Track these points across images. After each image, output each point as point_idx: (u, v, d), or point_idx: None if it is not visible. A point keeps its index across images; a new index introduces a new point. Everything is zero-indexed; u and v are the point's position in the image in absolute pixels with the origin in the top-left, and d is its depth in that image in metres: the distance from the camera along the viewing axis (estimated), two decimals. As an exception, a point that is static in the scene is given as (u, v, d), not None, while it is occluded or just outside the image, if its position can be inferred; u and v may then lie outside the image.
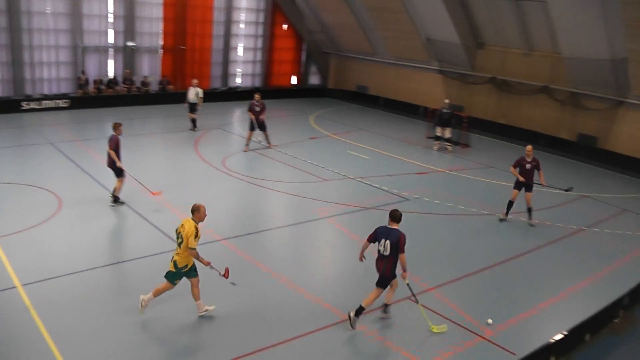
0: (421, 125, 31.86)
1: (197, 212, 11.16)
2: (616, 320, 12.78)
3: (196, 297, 11.52)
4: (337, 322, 11.55)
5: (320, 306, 12.15)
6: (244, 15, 38.62)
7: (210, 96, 36.11)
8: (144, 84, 34.46)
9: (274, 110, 33.06)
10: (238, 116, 31.73)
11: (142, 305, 11.36)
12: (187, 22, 35.52)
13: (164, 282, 11.34)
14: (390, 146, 27.39)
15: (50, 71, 31.96)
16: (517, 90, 31.11)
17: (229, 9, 37.47)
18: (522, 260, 15.29)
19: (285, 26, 40.62)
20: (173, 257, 11.28)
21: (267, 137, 25.56)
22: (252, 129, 25.00)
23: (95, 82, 32.92)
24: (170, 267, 11.28)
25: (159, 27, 34.98)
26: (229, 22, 37.76)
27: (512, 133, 31.09)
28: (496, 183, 22.60)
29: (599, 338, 12.14)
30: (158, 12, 34.65)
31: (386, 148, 26.86)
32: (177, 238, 11.16)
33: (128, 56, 34.17)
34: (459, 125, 28.44)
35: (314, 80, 44.00)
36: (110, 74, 33.91)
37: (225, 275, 11.68)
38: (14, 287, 12.29)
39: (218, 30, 37.39)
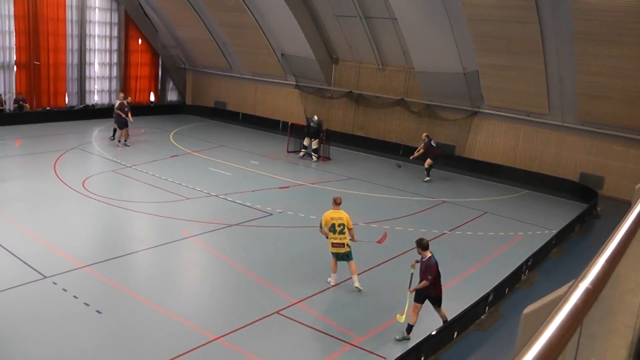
0: (281, 140, 32.20)
1: (340, 202, 14.33)
2: (482, 317, 13.44)
3: (354, 272, 14.24)
4: (205, 342, 11.44)
5: (188, 328, 12.01)
6: (97, 28, 37.52)
7: (67, 115, 35.16)
8: None
9: (133, 129, 32.40)
10: (96, 135, 30.96)
11: (357, 287, 14.11)
12: (40, 36, 34.01)
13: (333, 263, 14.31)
14: (251, 161, 27.49)
15: None
16: (374, 103, 32.15)
17: (82, 21, 36.19)
18: (387, 267, 15.79)
19: (140, 41, 39.92)
20: (341, 242, 13.98)
21: (127, 135, 28.79)
22: (121, 127, 28.48)
23: None
24: (345, 249, 14.03)
25: (12, 41, 33.33)
26: (83, 36, 36.47)
27: (371, 145, 32.11)
28: (357, 194, 23.24)
29: (466, 334, 12.65)
30: (10, 25, 32.97)
31: (247, 164, 26.97)
32: (338, 227, 13.89)
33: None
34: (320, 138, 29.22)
35: (172, 96, 43.45)
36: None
37: (381, 240, 14.91)
38: None
39: (72, 44, 36.09)
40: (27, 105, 33.92)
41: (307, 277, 14.89)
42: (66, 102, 36.39)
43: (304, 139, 29.52)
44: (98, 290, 13.54)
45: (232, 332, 11.85)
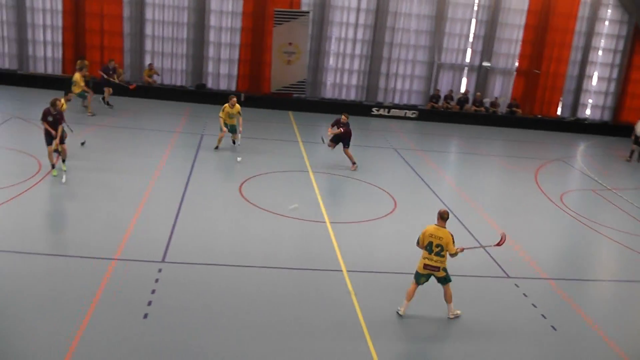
0: None
1: (447, 217, 12.23)
2: None
3: (449, 299, 12.44)
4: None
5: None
6: (603, 41, 37.09)
7: (556, 125, 36.09)
8: (493, 104, 35.25)
9: (619, 150, 31.47)
10: (582, 150, 31.03)
11: (456, 314, 12.52)
12: (545, 46, 35.52)
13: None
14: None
15: (404, 83, 34.80)
16: None
17: (590, 34, 36.30)
18: None
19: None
20: (435, 265, 12.04)
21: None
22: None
23: (445, 97, 34.43)
24: (440, 274, 12.13)
25: (517, 49, 35.67)
26: (587, 48, 36.60)
27: None
28: None
29: None
30: (519, 34, 35.32)
31: None
32: (436, 247, 11.95)
33: (481, 76, 35.39)
34: None
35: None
36: (462, 91, 35.43)
37: (500, 243, 12.55)
38: (340, 270, 13.97)
39: (575, 56, 36.58)
40: (518, 110, 35.63)
41: None
42: (558, 112, 37.17)
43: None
44: (557, 306, 13.87)
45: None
